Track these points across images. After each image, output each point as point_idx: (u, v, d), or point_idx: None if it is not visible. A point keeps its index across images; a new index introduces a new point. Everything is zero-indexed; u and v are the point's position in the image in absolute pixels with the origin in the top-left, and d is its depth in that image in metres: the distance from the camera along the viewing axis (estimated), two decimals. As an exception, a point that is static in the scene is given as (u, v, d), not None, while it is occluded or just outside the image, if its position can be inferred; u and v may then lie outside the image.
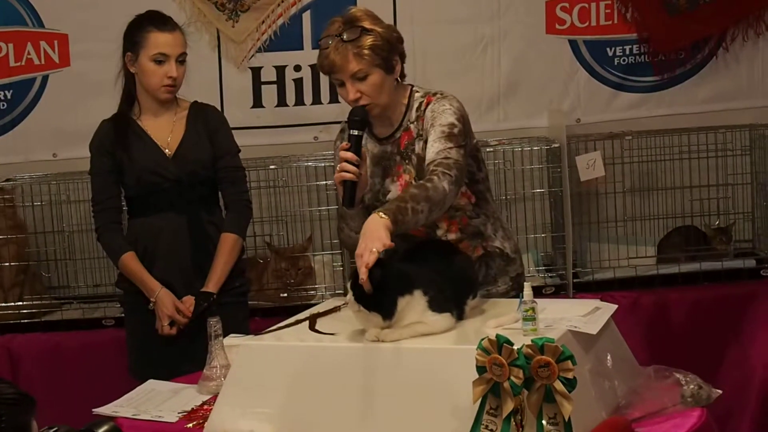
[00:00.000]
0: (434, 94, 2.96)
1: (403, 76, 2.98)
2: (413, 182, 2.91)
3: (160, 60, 3.47)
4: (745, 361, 4.27)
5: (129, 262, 3.52)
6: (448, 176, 2.72)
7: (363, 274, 2.43)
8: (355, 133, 2.85)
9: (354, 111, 2.89)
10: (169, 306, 3.47)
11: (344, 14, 2.92)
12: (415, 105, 2.96)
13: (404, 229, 2.62)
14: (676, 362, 2.67)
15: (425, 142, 2.90)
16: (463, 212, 2.97)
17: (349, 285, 2.51)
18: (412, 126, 2.95)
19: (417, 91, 2.99)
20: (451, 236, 2.97)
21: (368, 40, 2.84)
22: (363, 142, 2.89)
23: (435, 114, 2.89)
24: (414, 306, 2.50)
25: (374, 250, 2.46)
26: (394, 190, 2.96)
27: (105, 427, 2.17)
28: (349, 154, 2.82)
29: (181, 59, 3.51)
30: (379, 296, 2.46)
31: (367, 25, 2.87)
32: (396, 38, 2.93)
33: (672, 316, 4.30)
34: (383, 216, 2.55)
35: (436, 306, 2.52)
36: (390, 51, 2.89)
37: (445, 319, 2.54)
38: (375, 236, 2.50)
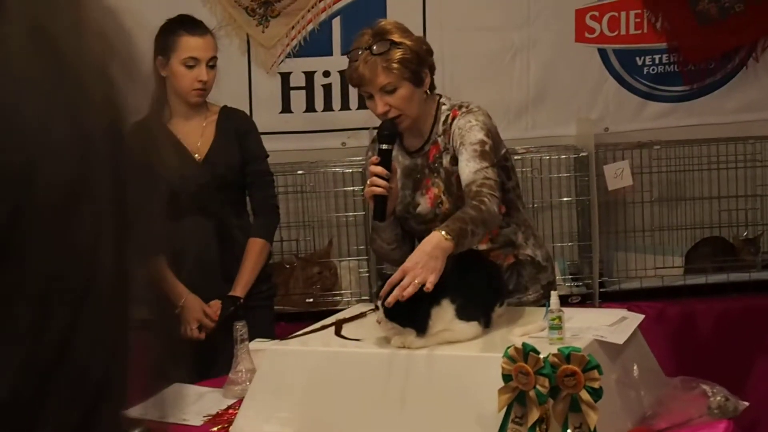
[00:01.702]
0: (460, 107, 2.95)
1: (432, 87, 2.98)
2: (443, 196, 2.92)
3: (190, 64, 3.49)
4: (771, 373, 4.24)
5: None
6: (496, 199, 2.73)
7: (393, 299, 2.43)
8: (384, 147, 2.86)
9: (383, 125, 2.89)
10: (198, 310, 3.48)
11: (374, 26, 2.92)
12: (442, 118, 2.95)
13: (460, 250, 2.60)
14: (703, 373, 2.67)
15: (452, 157, 2.90)
16: None
17: (379, 303, 2.50)
18: (439, 139, 2.95)
19: (443, 104, 2.99)
20: (482, 246, 2.97)
21: (397, 54, 2.85)
22: (393, 154, 2.91)
23: (462, 131, 2.88)
24: (442, 315, 2.50)
25: (417, 282, 2.45)
26: (423, 202, 2.97)
27: (138, 429, 2.18)
28: (379, 169, 2.83)
29: (212, 63, 3.53)
30: (411, 311, 2.46)
31: (396, 38, 2.87)
32: (425, 51, 2.93)
33: (699, 327, 4.27)
34: (447, 237, 2.54)
35: (463, 314, 2.52)
36: (419, 64, 2.88)
37: (472, 327, 2.54)
38: (431, 265, 2.49)
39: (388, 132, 2.87)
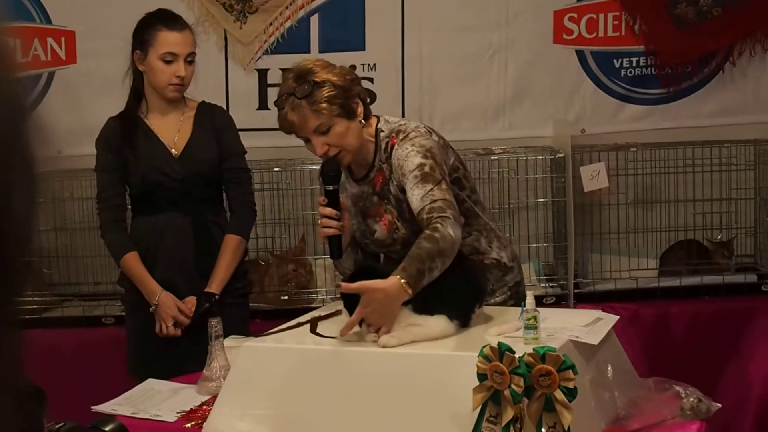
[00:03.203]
0: (398, 133, 2.91)
1: (367, 115, 2.94)
2: (397, 222, 2.92)
3: (168, 59, 3.47)
4: (743, 375, 4.26)
5: (131, 263, 3.52)
6: (448, 220, 2.68)
7: (345, 332, 2.56)
8: (330, 188, 2.86)
9: (325, 165, 2.88)
10: (172, 307, 3.46)
11: (295, 68, 2.88)
12: (383, 145, 2.93)
13: (418, 282, 2.58)
14: (675, 375, 2.68)
15: (399, 185, 2.88)
16: None
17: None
18: (384, 166, 2.93)
19: (382, 130, 2.95)
20: None
21: (323, 93, 2.80)
22: (341, 181, 2.92)
23: (400, 161, 2.84)
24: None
25: (373, 331, 2.53)
26: (379, 229, 2.97)
27: (111, 425, 2.16)
28: (328, 210, 2.85)
29: (190, 59, 3.51)
30: (353, 305, 2.53)
31: (318, 77, 2.82)
32: (350, 81, 2.88)
33: (672, 328, 4.29)
34: (406, 286, 2.53)
35: (424, 310, 2.52)
36: (346, 98, 2.84)
37: (440, 320, 2.54)
38: (387, 312, 2.53)
39: (333, 173, 2.86)
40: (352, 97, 2.87)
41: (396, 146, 2.88)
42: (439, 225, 2.67)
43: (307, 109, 2.80)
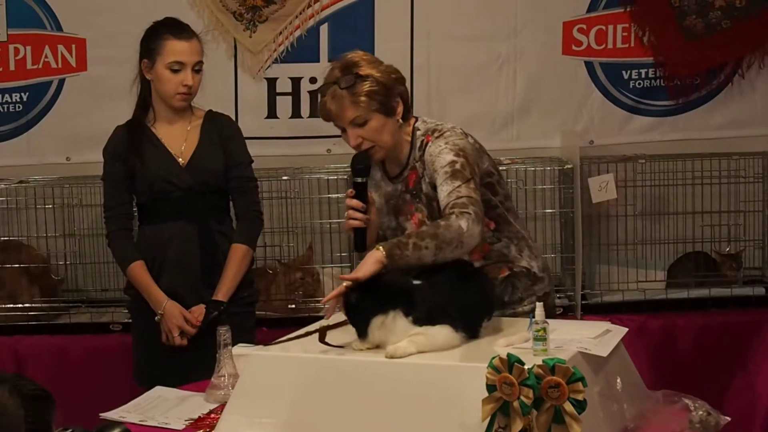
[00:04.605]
0: (433, 132, 2.94)
1: (407, 115, 2.98)
2: (426, 221, 2.93)
3: (176, 68, 3.47)
4: (750, 389, 4.26)
5: (137, 272, 3.52)
6: (466, 214, 2.70)
7: (325, 300, 2.69)
8: (359, 180, 2.88)
9: (356, 158, 2.91)
10: (178, 317, 3.46)
11: (342, 60, 2.93)
12: (418, 143, 2.96)
13: (403, 264, 2.63)
14: (682, 387, 2.67)
15: (431, 183, 2.90)
16: (483, 240, 2.95)
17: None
18: (417, 165, 2.95)
19: (418, 129, 2.98)
20: (476, 263, 2.97)
21: (364, 87, 2.85)
22: (377, 179, 2.97)
23: (433, 158, 2.87)
24: (392, 327, 2.51)
25: (344, 285, 2.59)
26: (410, 228, 2.98)
27: (116, 430, 2.17)
28: (355, 202, 2.87)
29: (198, 68, 3.52)
30: (354, 317, 2.56)
31: (363, 71, 2.87)
32: (394, 80, 2.93)
33: (679, 341, 4.29)
34: (379, 248, 2.61)
35: (425, 321, 2.52)
36: (387, 95, 2.89)
37: (443, 329, 2.53)
38: (360, 268, 2.60)
39: (362, 165, 2.88)
40: (393, 95, 2.91)
41: (430, 143, 2.91)
42: (452, 216, 2.70)
43: (347, 100, 2.85)
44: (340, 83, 2.86)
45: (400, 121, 2.94)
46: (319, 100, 2.94)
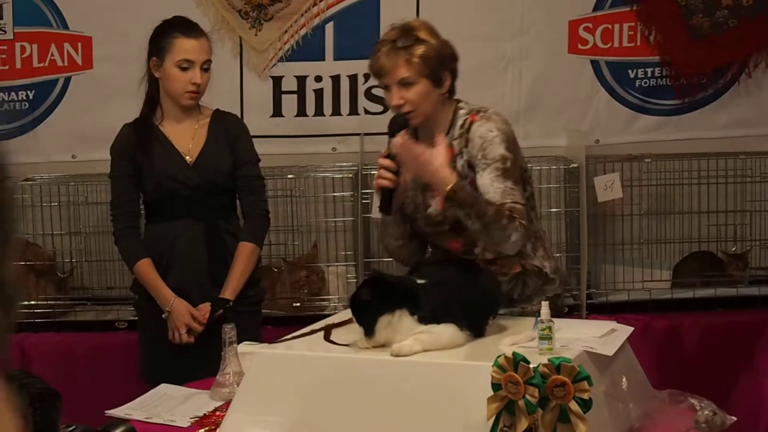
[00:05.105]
0: (477, 112, 2.96)
1: (452, 92, 3.00)
2: None
3: (185, 66, 3.48)
4: (757, 388, 4.25)
5: (144, 270, 3.52)
6: (520, 227, 2.77)
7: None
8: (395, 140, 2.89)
9: (395, 119, 2.93)
10: (185, 314, 3.47)
11: (403, 23, 2.97)
12: (459, 122, 2.96)
13: (456, 202, 2.73)
14: (687, 387, 2.67)
15: (468, 162, 2.90)
16: None
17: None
18: (455, 143, 2.95)
19: (461, 108, 3.00)
20: (489, 255, 2.97)
21: (420, 50, 2.89)
22: None
23: (484, 143, 2.89)
24: (398, 325, 2.51)
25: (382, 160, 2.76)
26: (434, 205, 2.98)
27: (122, 428, 2.17)
28: (387, 161, 2.88)
29: (206, 66, 3.52)
30: (361, 316, 2.56)
31: (422, 35, 2.91)
32: (449, 54, 2.96)
33: (685, 340, 4.28)
34: (452, 185, 2.73)
35: (430, 320, 2.52)
36: (440, 64, 2.92)
37: (448, 327, 2.53)
38: (436, 167, 2.73)
39: (399, 126, 2.89)
40: (445, 67, 2.95)
41: (477, 122, 2.93)
42: (517, 223, 2.78)
43: (401, 59, 2.88)
44: (399, 42, 2.89)
45: (445, 95, 2.96)
46: (372, 55, 2.96)
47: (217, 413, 2.71)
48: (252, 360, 2.70)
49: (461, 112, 2.98)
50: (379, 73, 2.93)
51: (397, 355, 2.46)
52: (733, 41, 4.56)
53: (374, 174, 4.28)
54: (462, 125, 2.94)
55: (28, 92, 4.63)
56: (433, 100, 2.92)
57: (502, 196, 2.79)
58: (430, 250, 3.19)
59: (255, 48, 4.63)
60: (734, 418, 2.52)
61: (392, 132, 2.90)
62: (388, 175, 2.87)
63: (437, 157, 2.75)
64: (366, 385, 2.46)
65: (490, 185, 2.82)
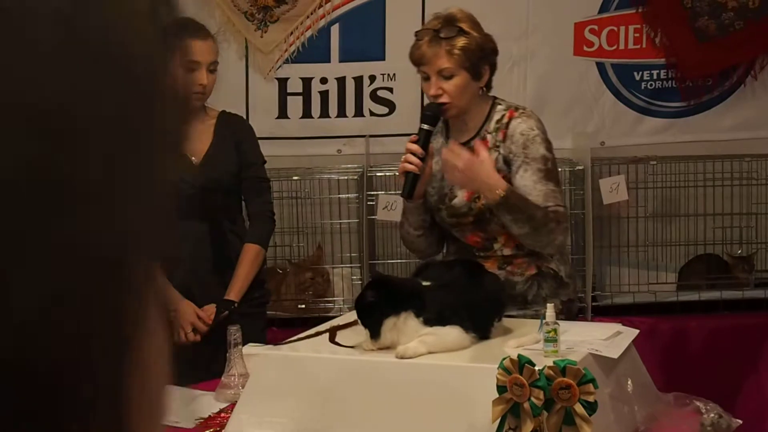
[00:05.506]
0: (516, 109, 2.99)
1: (489, 87, 3.02)
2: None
3: (191, 67, 3.48)
4: (762, 391, 4.24)
5: None
6: (566, 230, 2.84)
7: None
8: (425, 127, 2.93)
9: (429, 106, 2.95)
10: (191, 314, 3.47)
11: (446, 14, 2.98)
12: (496, 116, 2.97)
13: (509, 204, 2.76)
14: (693, 390, 2.66)
15: (503, 157, 2.90)
16: None
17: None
18: (489, 136, 2.96)
19: (499, 104, 3.02)
20: (507, 251, 2.98)
21: (462, 41, 2.91)
22: (439, 146, 2.98)
23: (526, 140, 2.91)
24: (403, 327, 2.51)
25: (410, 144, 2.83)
26: (461, 195, 2.98)
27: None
28: (415, 146, 2.89)
29: (212, 68, 3.52)
30: (367, 319, 2.56)
31: (465, 27, 2.93)
32: (490, 48, 2.99)
33: (690, 343, 4.27)
34: (503, 191, 2.77)
35: (435, 322, 2.52)
36: (480, 58, 2.94)
37: (453, 329, 2.53)
38: (468, 177, 2.78)
39: (432, 114, 2.92)
40: (485, 61, 2.97)
41: (516, 118, 2.96)
42: (562, 223, 2.84)
43: (443, 49, 2.89)
44: (441, 32, 2.89)
45: (483, 89, 2.96)
46: (413, 42, 2.96)
47: (222, 415, 2.71)
48: (257, 361, 2.70)
49: (499, 107, 3.01)
50: (420, 61, 2.93)
51: (402, 357, 2.46)
52: (739, 43, 4.55)
53: (379, 176, 4.36)
54: (499, 120, 2.96)
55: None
56: (471, 93, 2.94)
57: (545, 199, 2.83)
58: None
59: (260, 50, 4.63)
60: (740, 421, 2.52)
61: (425, 117, 2.91)
62: (414, 159, 2.89)
63: (485, 162, 2.76)
64: (371, 387, 2.46)
65: (533, 187, 2.85)
